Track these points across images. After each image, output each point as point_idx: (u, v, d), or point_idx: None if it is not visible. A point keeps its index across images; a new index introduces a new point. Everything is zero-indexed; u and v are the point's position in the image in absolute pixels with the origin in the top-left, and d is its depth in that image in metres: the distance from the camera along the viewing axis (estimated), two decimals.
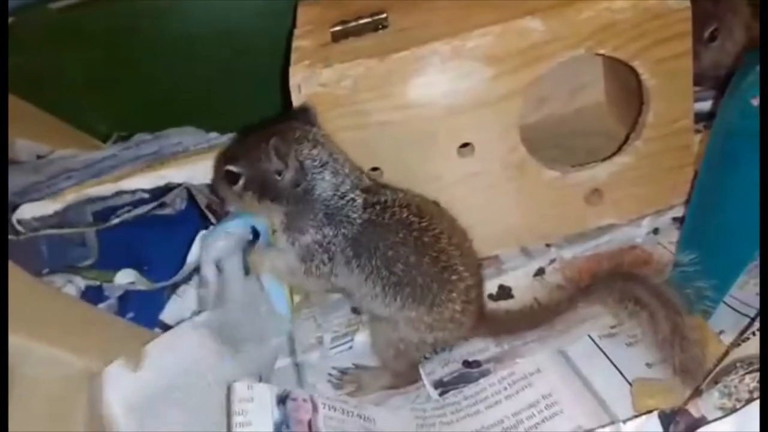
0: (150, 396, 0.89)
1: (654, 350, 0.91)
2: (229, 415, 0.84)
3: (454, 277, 0.95)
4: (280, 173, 0.95)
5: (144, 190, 1.27)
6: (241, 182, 0.97)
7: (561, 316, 0.97)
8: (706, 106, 1.26)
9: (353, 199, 0.96)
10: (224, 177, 0.99)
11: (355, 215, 0.95)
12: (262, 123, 1.02)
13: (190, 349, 0.94)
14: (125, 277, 1.13)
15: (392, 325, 0.98)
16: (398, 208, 0.96)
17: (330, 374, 1.05)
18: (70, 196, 1.20)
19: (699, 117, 1.16)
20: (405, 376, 1.02)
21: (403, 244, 0.94)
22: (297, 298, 1.12)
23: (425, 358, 1.03)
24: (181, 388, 0.91)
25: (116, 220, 1.23)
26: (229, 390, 0.86)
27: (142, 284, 1.13)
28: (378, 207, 0.96)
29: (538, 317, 0.99)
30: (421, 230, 0.95)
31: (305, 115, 0.99)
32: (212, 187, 1.04)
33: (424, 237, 0.95)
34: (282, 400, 0.87)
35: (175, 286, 1.14)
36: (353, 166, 0.99)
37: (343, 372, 1.05)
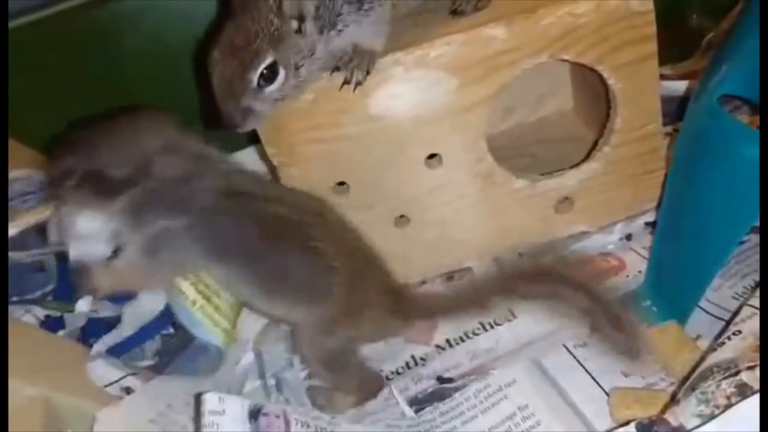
0: None
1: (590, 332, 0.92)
2: (197, 427, 0.82)
3: (335, 264, 0.92)
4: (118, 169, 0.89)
5: None
6: (73, 180, 0.90)
7: (492, 299, 0.96)
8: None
9: (201, 188, 0.91)
10: (60, 173, 0.90)
11: (207, 203, 0.90)
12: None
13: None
14: (85, 305, 1.09)
15: (304, 336, 0.96)
16: (264, 202, 0.93)
17: (308, 388, 1.03)
18: (28, 219, 1.16)
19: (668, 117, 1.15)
20: (363, 387, 0.99)
21: (275, 238, 0.92)
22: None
23: (397, 373, 1.01)
24: None
25: None
26: (198, 401, 0.83)
27: (105, 309, 1.09)
28: (238, 198, 0.92)
29: (469, 299, 0.98)
30: (294, 224, 0.93)
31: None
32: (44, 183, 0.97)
33: (297, 231, 0.92)
34: (254, 414, 0.85)
35: None
36: (210, 154, 0.94)
37: (316, 389, 1.03)
